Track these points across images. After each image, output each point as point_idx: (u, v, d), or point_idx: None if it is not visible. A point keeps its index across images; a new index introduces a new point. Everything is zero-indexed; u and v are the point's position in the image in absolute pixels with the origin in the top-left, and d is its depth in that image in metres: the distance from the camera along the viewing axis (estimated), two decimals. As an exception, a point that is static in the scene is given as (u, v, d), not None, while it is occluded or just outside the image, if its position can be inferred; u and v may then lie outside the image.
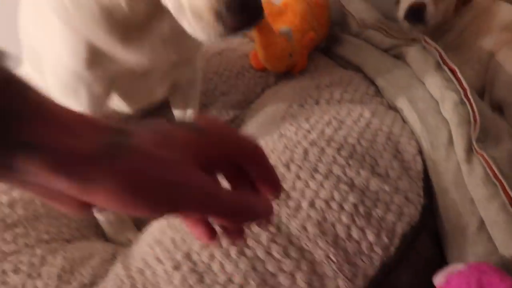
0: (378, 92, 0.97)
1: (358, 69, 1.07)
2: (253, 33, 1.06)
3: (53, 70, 0.65)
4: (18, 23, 0.78)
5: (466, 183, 0.67)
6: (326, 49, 1.22)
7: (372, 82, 1.00)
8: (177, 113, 0.91)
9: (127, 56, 0.60)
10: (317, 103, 0.92)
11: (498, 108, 1.01)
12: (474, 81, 1.05)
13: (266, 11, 1.14)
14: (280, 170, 0.68)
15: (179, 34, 0.59)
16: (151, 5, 0.54)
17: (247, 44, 1.22)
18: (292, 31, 1.04)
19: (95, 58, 0.60)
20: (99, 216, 0.80)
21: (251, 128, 0.94)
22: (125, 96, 0.76)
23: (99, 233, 0.84)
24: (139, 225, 0.84)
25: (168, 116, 0.95)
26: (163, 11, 0.50)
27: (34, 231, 0.74)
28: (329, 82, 1.00)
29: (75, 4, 0.54)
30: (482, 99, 1.05)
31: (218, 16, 0.43)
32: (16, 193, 0.77)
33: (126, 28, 0.57)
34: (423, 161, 0.75)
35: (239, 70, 1.13)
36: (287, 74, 1.11)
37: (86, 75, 0.63)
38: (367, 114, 0.81)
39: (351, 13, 1.18)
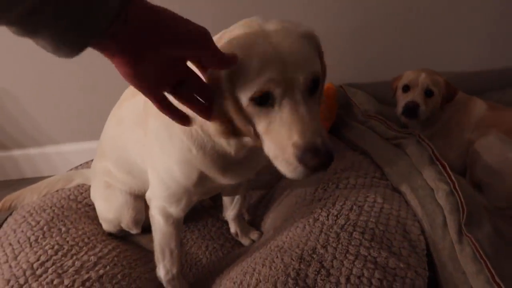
0: (383, 175, 1.21)
1: (364, 151, 1.32)
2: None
3: (165, 183, 0.85)
4: (112, 137, 1.00)
5: (459, 259, 0.90)
6: (335, 131, 1.47)
7: (378, 165, 1.24)
8: (226, 199, 1.14)
9: (225, 180, 0.83)
10: (337, 187, 1.15)
11: (477, 185, 1.26)
12: (457, 162, 1.32)
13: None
14: (319, 251, 0.90)
15: (261, 163, 0.85)
16: (250, 152, 0.78)
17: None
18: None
19: (202, 181, 0.82)
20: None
21: (284, 207, 1.16)
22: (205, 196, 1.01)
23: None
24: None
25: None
26: (257, 154, 0.73)
27: None
28: (344, 167, 1.23)
29: (201, 151, 0.77)
30: (464, 176, 1.31)
31: (299, 160, 0.60)
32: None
33: (230, 164, 0.80)
34: (425, 239, 0.97)
35: (266, 152, 1.36)
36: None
37: (191, 190, 0.85)
38: (379, 199, 1.04)
39: (356, 104, 1.44)
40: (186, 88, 0.62)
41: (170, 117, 0.64)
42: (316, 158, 0.59)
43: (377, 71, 1.62)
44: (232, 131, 0.67)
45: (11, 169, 1.89)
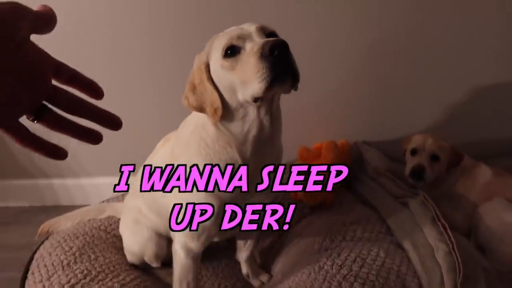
0: (389, 230, 1.28)
1: (373, 206, 1.40)
2: (296, 176, 1.41)
3: None
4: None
5: (453, 317, 0.96)
6: (348, 184, 1.57)
7: (384, 221, 1.32)
8: (240, 241, 1.24)
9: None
10: (343, 238, 1.23)
11: (481, 247, 1.32)
12: (464, 223, 1.38)
13: (304, 156, 1.51)
14: (321, 298, 0.97)
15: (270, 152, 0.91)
16: (257, 130, 0.82)
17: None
18: (325, 178, 1.39)
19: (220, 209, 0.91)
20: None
21: (293, 254, 1.24)
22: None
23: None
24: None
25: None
26: (265, 136, 0.83)
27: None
28: (352, 220, 1.32)
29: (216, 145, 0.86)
30: (469, 238, 1.37)
31: (262, 57, 0.69)
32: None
33: (254, 145, 0.84)
34: (423, 295, 1.04)
35: (280, 201, 1.46)
36: (319, 206, 1.44)
37: (211, 224, 0.92)
38: (382, 254, 1.12)
39: (368, 160, 1.55)
40: (52, 110, 0.50)
41: (39, 152, 0.49)
42: (271, 41, 0.69)
43: (390, 131, 1.73)
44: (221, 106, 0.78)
45: (49, 196, 2.07)
